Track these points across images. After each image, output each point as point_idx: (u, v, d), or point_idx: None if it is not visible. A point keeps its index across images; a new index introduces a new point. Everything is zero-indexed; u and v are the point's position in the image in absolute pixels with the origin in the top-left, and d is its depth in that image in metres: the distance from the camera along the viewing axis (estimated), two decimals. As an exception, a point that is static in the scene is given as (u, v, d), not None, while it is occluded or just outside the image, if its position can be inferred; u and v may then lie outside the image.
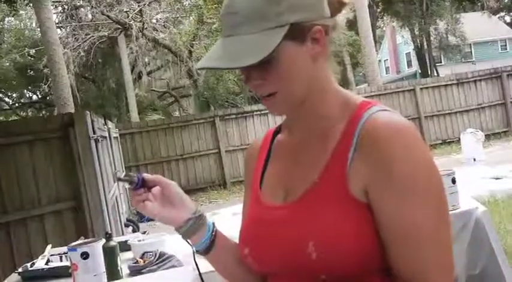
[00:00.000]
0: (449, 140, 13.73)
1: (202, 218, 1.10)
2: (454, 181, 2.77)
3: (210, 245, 1.10)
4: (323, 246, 0.91)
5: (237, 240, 1.14)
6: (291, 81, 0.97)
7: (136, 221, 8.74)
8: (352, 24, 24.83)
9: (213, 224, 1.12)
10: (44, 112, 27.51)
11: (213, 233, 1.10)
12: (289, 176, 1.05)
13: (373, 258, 0.91)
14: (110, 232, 2.24)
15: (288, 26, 0.93)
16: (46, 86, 18.01)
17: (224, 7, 0.98)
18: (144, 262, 2.39)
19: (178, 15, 19.75)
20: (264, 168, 1.13)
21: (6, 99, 29.54)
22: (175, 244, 2.72)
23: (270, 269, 1.04)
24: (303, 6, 0.96)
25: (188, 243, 1.11)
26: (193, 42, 17.06)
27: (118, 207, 6.96)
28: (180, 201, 1.10)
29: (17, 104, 29.84)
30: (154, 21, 18.32)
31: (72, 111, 9.68)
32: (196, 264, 1.15)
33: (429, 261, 0.89)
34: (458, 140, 11.85)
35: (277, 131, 1.17)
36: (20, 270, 2.58)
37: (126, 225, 7.49)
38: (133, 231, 7.18)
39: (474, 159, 10.25)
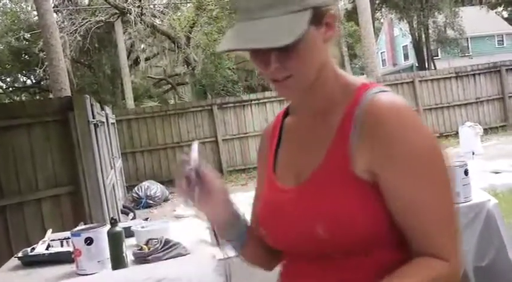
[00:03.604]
0: (447, 133, 13.72)
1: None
2: (466, 173, 2.74)
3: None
4: (330, 227, 0.96)
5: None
6: (308, 65, 1.00)
7: (132, 207, 8.68)
8: (350, 15, 24.79)
9: (245, 224, 1.18)
10: (38, 97, 27.28)
11: (246, 232, 1.17)
12: (298, 159, 1.09)
13: (380, 234, 0.97)
14: (115, 217, 2.17)
15: (311, 10, 0.96)
16: (41, 71, 17.81)
17: None
18: (148, 249, 2.33)
19: (177, 1, 19.56)
20: (276, 151, 1.18)
21: (0, 83, 29.28)
22: (179, 231, 2.66)
23: (285, 248, 1.11)
24: None
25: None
26: (192, 29, 16.91)
27: (115, 194, 6.89)
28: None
29: (10, 89, 29.56)
30: (152, 6, 18.12)
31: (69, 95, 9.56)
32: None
33: (439, 233, 0.95)
34: (456, 134, 11.83)
35: (286, 113, 1.21)
36: (20, 254, 2.51)
37: (123, 212, 7.43)
38: (134, 217, 7.11)
39: (473, 153, 10.23)
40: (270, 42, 0.93)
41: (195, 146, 1.08)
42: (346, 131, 1.00)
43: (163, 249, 2.31)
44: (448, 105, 13.93)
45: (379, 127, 0.95)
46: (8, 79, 29.33)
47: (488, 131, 13.56)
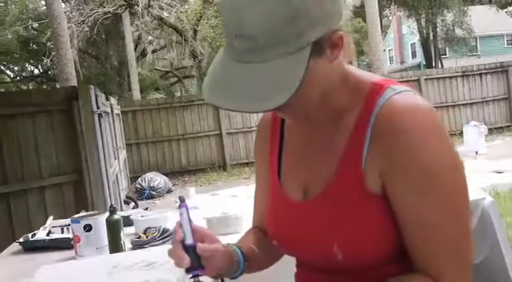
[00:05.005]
0: (451, 132, 13.69)
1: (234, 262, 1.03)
2: (462, 170, 2.74)
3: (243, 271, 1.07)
4: (347, 248, 0.91)
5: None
6: (308, 95, 0.90)
7: (136, 198, 8.74)
8: (358, 11, 24.73)
9: (242, 256, 1.05)
10: (45, 86, 27.40)
11: (245, 264, 1.05)
12: (307, 169, 1.01)
13: (394, 250, 0.91)
14: (114, 205, 2.21)
15: (310, 46, 0.83)
16: (48, 60, 17.87)
17: (231, 26, 0.84)
18: (146, 237, 2.37)
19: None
20: (279, 156, 1.09)
21: (8, 72, 29.41)
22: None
23: (298, 259, 1.09)
24: (323, 17, 0.84)
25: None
26: (199, 21, 16.92)
27: (118, 184, 6.95)
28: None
29: (18, 78, 29.70)
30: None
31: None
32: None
33: (442, 257, 0.88)
34: (461, 133, 11.81)
35: None
36: (21, 240, 2.55)
37: (125, 202, 7.49)
38: (134, 207, 7.17)
39: (476, 153, 10.21)
40: (256, 105, 0.82)
41: (183, 209, 0.98)
42: (358, 142, 0.91)
43: (161, 238, 2.35)
44: (453, 104, 13.90)
45: (393, 136, 0.86)
46: (16, 68, 29.45)
47: (493, 131, 13.52)
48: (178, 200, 1.01)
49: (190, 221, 0.97)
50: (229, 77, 0.85)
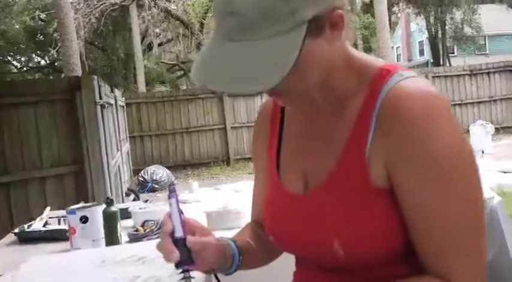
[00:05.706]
0: (457, 131, 13.62)
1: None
2: (470, 169, 2.69)
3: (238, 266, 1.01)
4: (348, 244, 0.85)
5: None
6: (307, 78, 0.84)
7: (138, 190, 8.71)
8: (368, 7, 24.60)
9: (237, 250, 1.00)
10: (51, 77, 27.43)
11: (240, 259, 1.00)
12: (307, 160, 0.95)
13: (401, 248, 0.85)
14: (111, 197, 2.16)
15: (306, 24, 0.77)
16: (55, 52, 17.87)
17: (221, 4, 0.80)
18: (144, 230, 2.32)
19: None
20: (278, 146, 1.03)
21: (15, 62, 29.46)
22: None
23: (296, 256, 1.03)
24: None
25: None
26: (206, 14, 16.87)
27: (120, 176, 6.91)
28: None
29: (25, 68, 29.76)
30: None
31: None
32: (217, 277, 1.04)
33: (452, 254, 0.81)
34: (467, 132, 11.72)
35: None
36: (16, 230, 2.51)
37: (127, 195, 7.45)
38: (134, 199, 7.12)
39: (482, 152, 10.13)
40: (244, 86, 0.77)
41: (173, 200, 0.93)
42: (362, 131, 0.85)
43: (158, 231, 2.30)
44: (460, 102, 13.79)
45: (398, 122, 0.80)
46: (23, 59, 29.51)
47: (500, 130, 13.41)
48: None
49: (180, 212, 0.91)
50: (217, 57, 0.80)
